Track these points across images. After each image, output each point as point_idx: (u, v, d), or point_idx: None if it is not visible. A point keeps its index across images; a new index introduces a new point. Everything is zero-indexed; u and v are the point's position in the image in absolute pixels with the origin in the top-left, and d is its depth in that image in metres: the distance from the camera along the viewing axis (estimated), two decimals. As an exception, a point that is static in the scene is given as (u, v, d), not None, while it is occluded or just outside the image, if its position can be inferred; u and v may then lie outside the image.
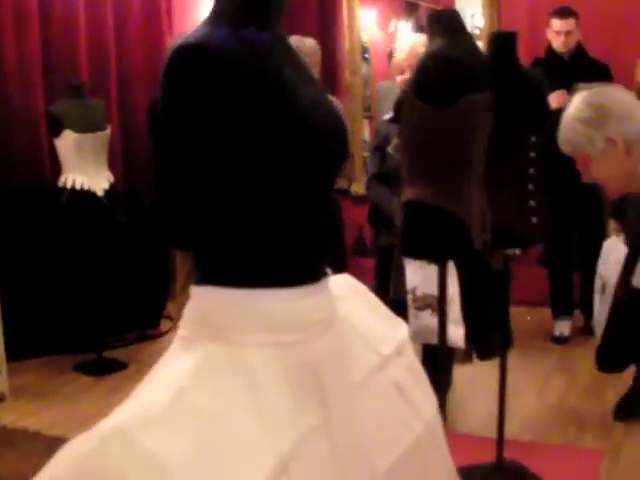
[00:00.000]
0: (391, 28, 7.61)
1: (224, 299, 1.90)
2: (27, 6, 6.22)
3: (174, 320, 6.22)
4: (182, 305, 5.39)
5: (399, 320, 2.32)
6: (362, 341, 2.10)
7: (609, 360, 4.25)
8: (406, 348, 2.24)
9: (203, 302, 1.94)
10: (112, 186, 6.11)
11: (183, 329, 1.95)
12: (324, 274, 2.01)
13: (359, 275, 2.36)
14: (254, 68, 1.85)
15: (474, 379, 5.15)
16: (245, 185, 1.84)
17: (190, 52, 1.81)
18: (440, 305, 3.64)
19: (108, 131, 6.14)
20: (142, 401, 1.83)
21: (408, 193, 3.50)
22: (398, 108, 3.77)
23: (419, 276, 4.21)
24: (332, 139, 1.97)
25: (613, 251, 4.22)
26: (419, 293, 4.22)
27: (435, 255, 3.60)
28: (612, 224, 4.51)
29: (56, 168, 6.15)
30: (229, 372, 1.81)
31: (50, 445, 4.64)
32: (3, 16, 6.12)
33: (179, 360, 1.87)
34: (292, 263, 1.93)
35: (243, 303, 1.87)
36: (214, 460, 1.70)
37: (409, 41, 5.27)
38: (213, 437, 1.72)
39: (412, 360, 2.25)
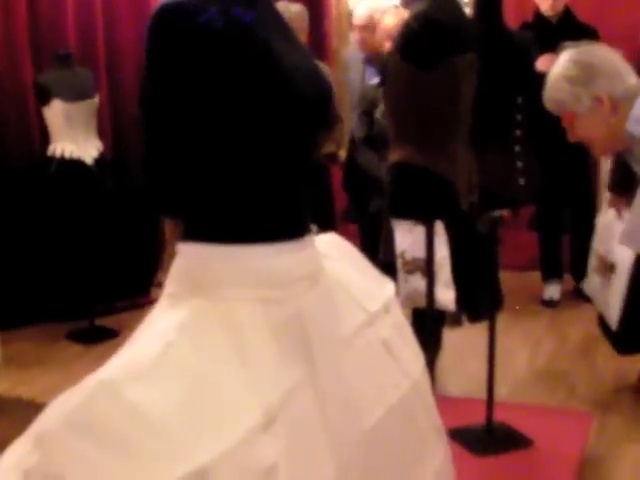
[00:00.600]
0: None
1: (209, 255, 1.91)
2: (13, -25, 6.19)
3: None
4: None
5: (386, 279, 2.34)
6: (349, 298, 2.11)
7: (629, 344, 4.30)
8: (393, 306, 2.25)
9: (189, 258, 1.95)
10: (101, 154, 6.11)
11: (169, 285, 1.97)
12: (308, 231, 2.03)
13: (349, 240, 2.36)
14: (234, 32, 1.87)
15: (464, 342, 5.17)
16: (229, 144, 1.87)
17: (168, 9, 1.84)
18: (428, 267, 3.66)
19: (96, 99, 6.13)
20: (129, 356, 1.84)
21: (395, 155, 3.51)
22: (384, 70, 3.77)
23: (409, 240, 4.22)
24: (317, 102, 1.99)
25: (614, 233, 4.15)
26: (408, 257, 4.23)
27: (422, 216, 3.61)
28: (607, 196, 4.47)
29: (45, 138, 6.14)
30: (215, 327, 1.83)
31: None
32: (-11, -14, 6.09)
33: (165, 316, 1.89)
34: (275, 219, 1.95)
35: (228, 259, 1.90)
36: (198, 413, 1.72)
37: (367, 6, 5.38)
38: (198, 390, 1.75)
39: (399, 318, 2.27)
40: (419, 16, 3.45)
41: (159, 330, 1.85)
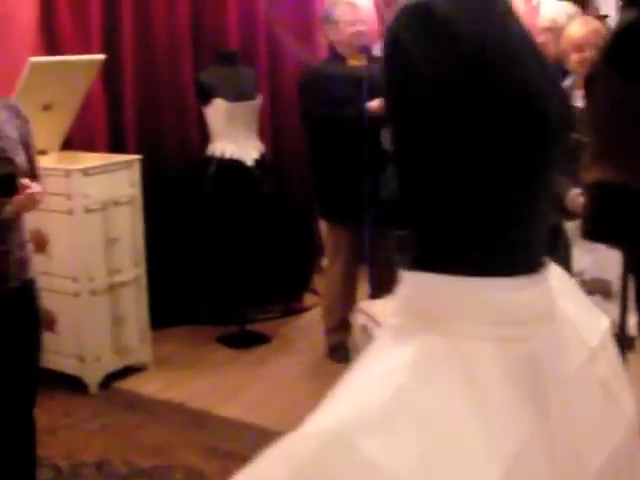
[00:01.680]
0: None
1: (443, 287, 1.71)
2: (177, -26, 6.15)
3: (320, 295, 6.11)
4: (330, 280, 5.28)
5: (599, 311, 2.11)
6: (574, 332, 1.90)
7: None
8: (608, 341, 2.03)
9: (418, 289, 1.76)
10: (262, 156, 6.02)
11: (394, 317, 1.77)
12: (544, 263, 1.83)
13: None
14: (484, 37, 1.69)
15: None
16: (477, 166, 1.67)
17: (418, 8, 1.65)
18: (622, 292, 3.41)
19: (259, 100, 6.04)
20: (356, 399, 1.66)
21: (595, 173, 3.26)
22: (588, 83, 3.51)
23: (589, 260, 3.97)
24: (561, 124, 1.80)
25: None
26: (587, 277, 3.98)
27: (624, 239, 3.35)
28: None
29: (203, 137, 6.09)
30: (447, 368, 1.63)
31: (194, 418, 4.65)
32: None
33: (392, 353, 1.70)
34: (518, 251, 1.75)
35: (464, 292, 1.70)
36: (440, 468, 1.54)
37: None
38: (435, 440, 1.56)
39: (613, 354, 2.05)
40: (632, 26, 3.18)
41: (386, 370, 1.66)
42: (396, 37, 1.68)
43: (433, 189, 1.71)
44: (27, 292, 3.38)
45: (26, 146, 3.36)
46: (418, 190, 1.74)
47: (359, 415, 1.60)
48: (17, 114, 3.38)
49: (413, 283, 1.76)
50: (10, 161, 3.25)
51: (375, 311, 4.28)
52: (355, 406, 1.63)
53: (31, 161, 3.38)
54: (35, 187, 3.24)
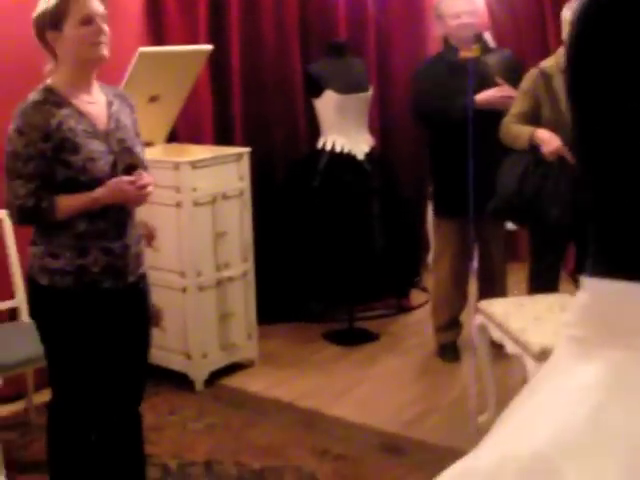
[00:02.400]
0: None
1: (632, 296, 1.52)
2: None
3: (429, 292, 5.96)
4: (438, 276, 5.16)
5: None
6: None
7: None
8: None
9: (603, 298, 1.56)
10: (372, 149, 5.88)
11: (575, 328, 1.58)
12: None
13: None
14: None
15: None
16: None
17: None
18: None
19: (370, 92, 5.89)
20: (549, 420, 1.48)
21: None
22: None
23: None
24: None
25: None
26: None
27: None
28: None
29: (313, 131, 5.97)
30: None
31: (304, 417, 4.53)
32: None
33: (577, 369, 1.52)
34: None
35: None
36: None
37: None
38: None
39: None
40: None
41: (578, 387, 1.49)
42: (592, 32, 1.47)
43: (630, 189, 1.51)
44: (141, 287, 3.32)
45: (137, 135, 3.28)
46: (611, 190, 1.54)
47: (559, 439, 1.42)
48: (126, 102, 3.30)
49: (596, 291, 1.57)
50: (131, 152, 3.17)
51: (493, 311, 4.11)
52: (551, 428, 1.45)
53: (142, 151, 3.30)
54: (147, 178, 3.15)
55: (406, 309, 6.25)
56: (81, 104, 3.10)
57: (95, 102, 3.15)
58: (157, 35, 5.50)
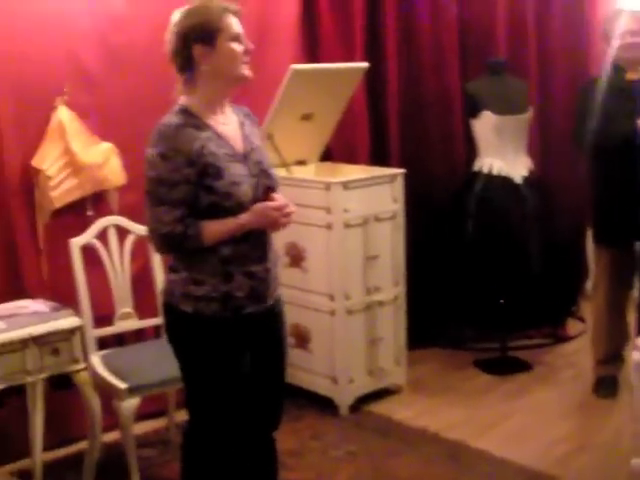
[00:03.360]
0: None
1: None
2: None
3: (585, 322, 5.73)
4: (595, 307, 4.98)
5: None
6: None
7: None
8: None
9: None
10: (531, 173, 5.69)
11: None
12: None
13: None
14: None
15: None
16: None
17: None
18: None
19: (529, 114, 5.70)
20: None
21: None
22: None
23: None
24: None
25: None
26: None
27: None
28: None
29: (469, 151, 5.83)
30: None
31: (449, 449, 4.39)
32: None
33: None
34: None
35: None
36: None
37: None
38: None
39: None
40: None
41: None
42: None
43: None
44: (278, 308, 3.25)
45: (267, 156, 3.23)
46: None
47: None
48: (254, 122, 3.24)
49: None
50: (268, 174, 3.10)
51: (654, 348, 3.88)
52: None
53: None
54: (290, 206, 3.07)
55: (562, 339, 6.04)
56: (217, 126, 3.02)
57: (229, 123, 3.08)
58: (312, 53, 5.46)
